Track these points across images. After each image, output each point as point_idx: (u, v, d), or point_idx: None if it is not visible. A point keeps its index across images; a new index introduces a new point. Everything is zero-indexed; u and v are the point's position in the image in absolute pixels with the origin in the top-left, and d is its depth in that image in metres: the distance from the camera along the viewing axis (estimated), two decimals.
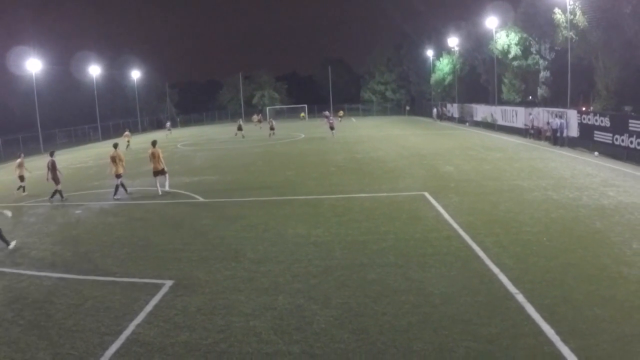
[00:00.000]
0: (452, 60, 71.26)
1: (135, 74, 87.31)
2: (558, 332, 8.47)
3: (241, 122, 60.55)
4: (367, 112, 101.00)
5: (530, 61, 51.54)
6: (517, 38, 51.44)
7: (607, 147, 29.76)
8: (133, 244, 15.48)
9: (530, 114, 41.93)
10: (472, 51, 63.52)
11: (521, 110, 45.27)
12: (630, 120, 27.67)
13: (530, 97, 55.06)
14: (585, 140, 32.76)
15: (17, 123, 70.22)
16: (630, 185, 20.50)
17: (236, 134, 57.22)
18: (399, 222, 16.29)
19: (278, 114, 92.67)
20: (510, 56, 52.34)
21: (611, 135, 29.35)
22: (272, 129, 56.48)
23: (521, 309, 9.47)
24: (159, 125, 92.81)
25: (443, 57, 74.84)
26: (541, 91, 50.38)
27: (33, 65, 56.81)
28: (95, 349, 8.83)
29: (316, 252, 13.56)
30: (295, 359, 8.24)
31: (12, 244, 15.73)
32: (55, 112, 77.16)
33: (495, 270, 11.49)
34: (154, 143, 24.32)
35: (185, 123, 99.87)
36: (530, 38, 50.25)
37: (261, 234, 15.76)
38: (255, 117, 79.88)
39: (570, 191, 19.62)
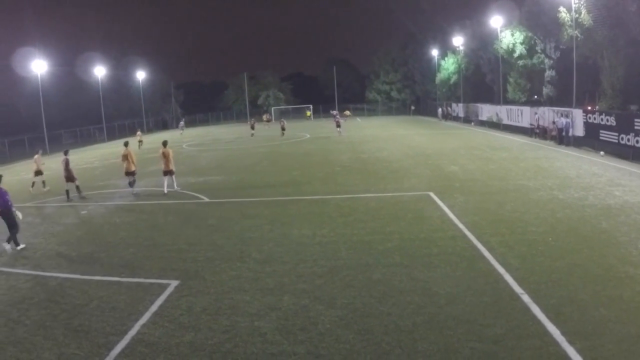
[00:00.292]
0: (457, 60, 71.13)
1: (141, 75, 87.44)
2: (564, 333, 8.44)
3: (254, 122, 62.26)
4: (372, 112, 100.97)
5: (535, 60, 51.40)
6: (522, 37, 51.31)
7: (613, 146, 29.65)
8: (138, 244, 15.51)
9: (535, 113, 41.81)
10: (477, 50, 63.41)
11: (526, 109, 45.15)
12: (636, 120, 27.53)
13: (536, 97, 54.93)
14: (591, 140, 32.63)
15: (23, 124, 70.57)
16: (636, 184, 20.41)
17: (252, 135, 58.45)
18: (404, 222, 16.27)
19: (283, 114, 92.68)
20: (516, 55, 52.21)
21: (617, 134, 29.23)
22: (283, 129, 58.02)
23: (527, 309, 9.44)
24: (164, 126, 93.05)
25: (448, 56, 74.73)
26: (546, 90, 50.25)
27: (39, 66, 56.98)
28: (101, 349, 8.85)
29: (321, 253, 13.55)
30: (300, 359, 8.25)
31: (21, 246, 15.83)
32: (61, 113, 77.34)
33: (501, 270, 11.46)
34: (164, 143, 24.67)
35: (191, 123, 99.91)
36: (536, 37, 50.11)
37: (266, 234, 15.76)
38: (265, 117, 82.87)
39: (576, 191, 19.56)
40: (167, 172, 24.12)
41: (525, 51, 51.56)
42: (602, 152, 29.72)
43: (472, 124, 60.00)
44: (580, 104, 40.45)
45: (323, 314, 9.77)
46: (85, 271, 13.23)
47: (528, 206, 17.44)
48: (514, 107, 49.17)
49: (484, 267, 11.82)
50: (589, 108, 36.91)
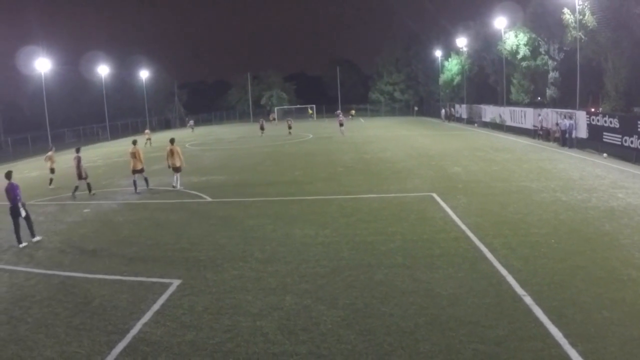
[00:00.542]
0: (461, 61, 71.10)
1: (144, 74, 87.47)
2: (566, 335, 8.43)
3: (263, 122, 63.33)
4: (375, 113, 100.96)
5: (539, 62, 51.40)
6: (525, 38, 51.32)
7: (616, 148, 29.60)
8: (141, 243, 15.52)
9: (539, 114, 41.76)
10: (480, 51, 63.40)
11: (530, 111, 45.12)
12: (639, 122, 27.51)
13: (539, 98, 54.92)
14: (594, 142, 32.58)
15: (27, 122, 70.73)
16: (639, 187, 20.37)
17: (262, 135, 59.14)
18: (407, 223, 16.26)
19: (286, 114, 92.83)
20: (519, 57, 52.22)
21: (620, 136, 29.19)
22: (289, 127, 59.71)
23: (529, 311, 9.43)
24: (167, 125, 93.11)
25: (452, 57, 74.71)
26: (550, 92, 50.22)
27: (42, 65, 56.98)
28: (102, 348, 8.85)
29: (324, 253, 13.55)
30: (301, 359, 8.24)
31: (24, 244, 15.92)
32: (65, 112, 77.64)
33: (503, 272, 11.45)
34: (172, 141, 25.46)
35: (194, 123, 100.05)
36: (539, 38, 50.11)
37: (269, 234, 15.76)
38: (271, 116, 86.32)
39: (579, 193, 19.54)
40: (177, 169, 24.89)
41: (528, 52, 51.57)
42: (605, 154, 29.67)
43: (475, 125, 59.98)
44: (583, 106, 40.43)
45: (325, 314, 9.76)
46: (87, 269, 13.25)
47: (531, 208, 17.42)
48: (517, 109, 49.16)
49: (486, 268, 11.81)
50: (593, 110, 36.95)
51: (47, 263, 14.05)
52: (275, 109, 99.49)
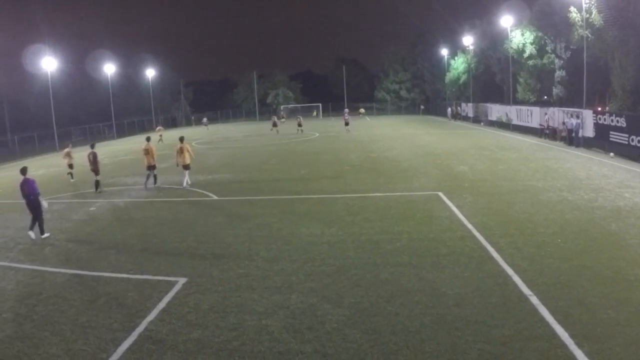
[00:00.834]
0: (467, 59, 70.96)
1: (150, 73, 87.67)
2: (572, 335, 8.40)
3: (276, 119, 65.12)
4: (381, 112, 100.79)
5: (545, 60, 51.24)
6: (532, 37, 51.16)
7: (623, 147, 29.48)
8: (147, 241, 15.57)
9: (545, 113, 41.63)
10: (487, 50, 63.24)
11: (536, 110, 44.98)
12: None
13: (546, 97, 54.76)
14: (600, 141, 32.47)
15: (33, 121, 70.88)
16: None
17: (271, 129, 60.60)
18: (413, 221, 16.24)
19: (292, 113, 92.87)
20: (526, 55, 52.07)
21: (627, 135, 29.07)
22: (299, 125, 60.08)
23: (535, 311, 9.40)
24: (174, 124, 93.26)
25: (458, 56, 74.58)
26: (556, 91, 50.06)
27: (49, 63, 57.19)
28: (108, 345, 8.87)
29: (330, 252, 13.55)
30: (307, 358, 8.22)
31: (46, 234, 16.65)
32: (71, 110, 77.75)
33: (510, 271, 11.42)
34: (181, 139, 25.66)
35: (200, 121, 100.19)
36: (546, 37, 49.94)
37: (275, 232, 15.77)
38: (281, 114, 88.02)
39: (585, 192, 19.47)
40: (186, 167, 25.09)
41: (535, 51, 51.41)
42: (612, 154, 29.56)
43: (482, 124, 59.84)
44: (590, 105, 40.24)
45: (331, 313, 9.76)
46: (93, 267, 13.29)
47: (537, 207, 17.37)
48: (523, 108, 49.01)
49: (492, 268, 11.78)
50: (599, 109, 36.75)
51: (54, 261, 14.10)
52: (282, 107, 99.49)
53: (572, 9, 40.02)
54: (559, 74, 49.76)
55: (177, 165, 25.45)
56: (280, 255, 13.46)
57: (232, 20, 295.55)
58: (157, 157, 25.88)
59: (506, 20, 52.39)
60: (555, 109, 41.17)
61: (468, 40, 67.49)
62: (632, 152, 28.26)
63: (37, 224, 16.64)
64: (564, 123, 37.15)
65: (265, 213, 18.51)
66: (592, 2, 37.06)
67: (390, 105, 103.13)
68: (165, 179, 27.00)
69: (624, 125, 29.62)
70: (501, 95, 62.13)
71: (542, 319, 9.05)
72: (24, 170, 17.18)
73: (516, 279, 10.97)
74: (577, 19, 39.55)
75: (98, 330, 9.47)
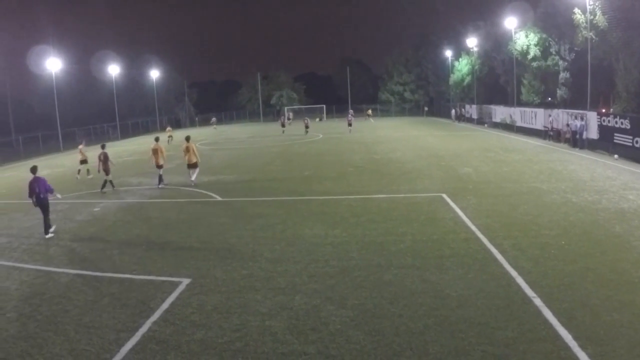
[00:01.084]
0: (471, 61, 70.86)
1: (155, 73, 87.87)
2: (575, 337, 8.39)
3: (284, 120, 67.23)
4: (385, 113, 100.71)
5: (549, 62, 51.14)
6: (536, 39, 51.06)
7: (627, 149, 29.41)
8: (150, 242, 15.59)
9: (549, 115, 41.57)
10: (491, 52, 63.14)
11: (540, 111, 44.92)
12: None
13: (550, 99, 54.66)
14: (605, 143, 32.41)
15: (37, 121, 71.02)
16: None
17: (283, 132, 61.50)
18: (417, 223, 16.24)
19: (296, 114, 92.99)
20: (530, 57, 51.96)
21: (631, 137, 29.02)
22: (307, 127, 60.72)
23: (538, 313, 9.39)
24: (178, 124, 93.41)
25: (462, 57, 74.49)
26: (560, 92, 49.98)
27: (53, 64, 57.29)
28: (111, 346, 8.89)
29: (333, 253, 13.55)
30: (310, 359, 8.24)
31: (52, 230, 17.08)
32: (75, 111, 77.91)
33: (513, 273, 11.41)
34: (187, 138, 26.16)
35: (204, 122, 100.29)
36: (550, 38, 49.86)
37: (278, 233, 15.79)
38: (289, 115, 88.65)
39: (589, 194, 19.44)
40: (192, 166, 25.69)
41: (539, 53, 51.30)
42: (616, 156, 29.51)
43: (486, 125, 59.78)
44: (594, 107, 40.18)
45: (334, 314, 9.76)
46: (97, 268, 13.31)
47: (541, 209, 17.35)
48: (527, 109, 48.94)
49: (496, 270, 11.77)
50: (604, 111, 36.70)
51: (57, 261, 14.13)
52: (286, 108, 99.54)
53: (576, 10, 39.97)
54: (563, 75, 49.69)
55: (187, 165, 25.96)
56: (284, 257, 13.47)
57: (236, 22, 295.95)
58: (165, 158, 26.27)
59: (510, 22, 52.34)
60: (560, 110, 41.10)
61: (472, 41, 67.45)
62: (637, 154, 28.19)
63: (44, 223, 16.97)
64: (568, 125, 37.09)
65: (269, 214, 18.52)
66: (597, 4, 37.01)
67: (394, 107, 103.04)
68: (169, 179, 27.03)
69: (628, 127, 29.56)
70: (505, 97, 62.04)
71: (545, 321, 9.04)
72: (34, 169, 17.56)
73: (520, 280, 10.96)
74: (581, 20, 39.50)
75: (102, 331, 9.49)
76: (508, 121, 53.10)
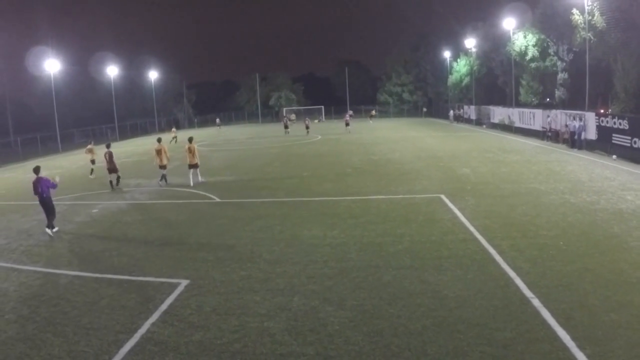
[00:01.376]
0: (470, 62, 70.95)
1: (153, 75, 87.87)
2: (574, 338, 8.40)
3: (287, 121, 67.55)
4: (383, 114, 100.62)
5: (548, 63, 51.26)
6: (534, 39, 51.18)
7: (625, 150, 29.45)
8: (149, 243, 15.58)
9: (548, 116, 41.61)
10: (489, 52, 63.24)
11: (539, 112, 44.96)
12: None
13: (548, 99, 54.74)
14: (603, 143, 32.44)
15: (36, 122, 70.93)
16: None
17: (288, 132, 61.95)
18: (415, 224, 16.24)
19: (297, 115, 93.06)
20: (528, 58, 52.08)
21: (630, 138, 29.06)
22: (307, 127, 61.85)
23: (537, 313, 9.40)
24: (177, 125, 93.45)
25: (460, 58, 74.58)
26: (559, 93, 50.07)
27: (52, 65, 57.27)
28: (110, 347, 8.89)
29: (332, 254, 13.56)
30: None
31: (55, 228, 17.60)
32: (74, 112, 77.89)
33: (512, 274, 11.42)
34: (190, 139, 26.77)
35: (202, 123, 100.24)
36: (548, 39, 49.98)
37: (277, 235, 15.79)
38: (292, 116, 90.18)
39: (587, 195, 19.46)
40: (192, 166, 26.14)
41: (537, 53, 51.43)
42: (614, 156, 29.54)
43: (484, 126, 59.80)
44: (592, 107, 40.24)
45: (333, 315, 9.77)
46: (95, 269, 13.31)
47: (539, 210, 17.37)
48: (526, 110, 48.99)
49: (494, 270, 11.79)
50: (602, 111, 36.75)
51: (56, 262, 14.12)
52: (285, 110, 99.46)
53: (574, 11, 40.06)
54: (561, 76, 49.78)
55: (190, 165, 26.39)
56: (283, 258, 13.47)
57: (235, 23, 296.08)
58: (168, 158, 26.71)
59: (509, 23, 52.44)
60: (558, 111, 41.14)
61: (470, 42, 67.53)
62: (635, 155, 28.23)
63: (51, 219, 17.44)
64: (566, 125, 37.11)
65: (268, 215, 18.53)
66: (595, 5, 37.09)
67: (392, 108, 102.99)
68: (169, 180, 27.01)
69: (627, 127, 29.60)
70: (503, 98, 62.11)
71: (543, 322, 9.06)
72: (37, 169, 17.85)
73: (518, 281, 10.97)
74: (579, 21, 39.59)
75: (100, 332, 9.49)
76: (506, 122, 53.17)
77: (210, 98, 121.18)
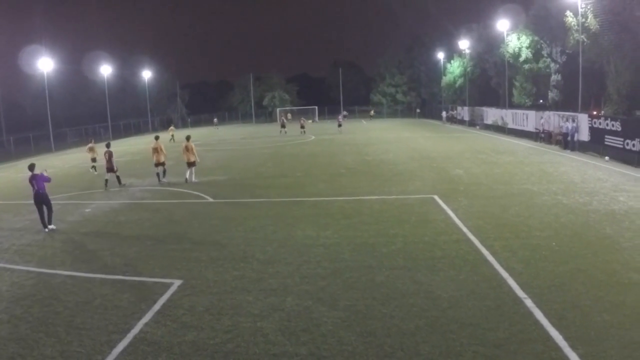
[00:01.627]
0: (463, 63, 71.13)
1: (147, 74, 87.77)
2: (566, 338, 8.43)
3: (284, 120, 68.43)
4: (377, 114, 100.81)
5: (541, 64, 51.43)
6: (528, 41, 51.35)
7: (618, 151, 29.55)
8: (142, 243, 15.54)
9: (541, 117, 41.72)
10: (483, 54, 63.45)
11: (532, 113, 45.04)
12: None
13: (541, 101, 54.93)
14: (596, 145, 32.55)
15: (29, 121, 70.76)
16: None
17: (280, 132, 62.34)
18: (408, 225, 16.26)
19: (290, 115, 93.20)
20: (522, 59, 52.24)
21: (622, 139, 29.15)
22: (302, 127, 62.67)
23: (529, 314, 9.43)
24: (170, 125, 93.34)
25: (454, 59, 74.76)
26: (552, 95, 50.26)
27: (45, 64, 57.12)
28: (103, 347, 8.86)
29: (325, 254, 13.55)
30: None
31: (49, 228, 17.73)
32: (67, 111, 77.73)
33: (504, 274, 11.45)
34: (187, 138, 27.58)
35: (196, 123, 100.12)
36: (542, 41, 50.18)
37: (270, 235, 15.77)
38: (289, 115, 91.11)
39: (580, 196, 19.52)
40: (191, 164, 26.75)
41: (531, 55, 51.61)
42: (607, 158, 29.65)
43: (477, 127, 59.90)
44: (585, 109, 40.38)
45: (326, 315, 9.77)
46: (88, 269, 13.27)
47: (532, 211, 17.41)
48: (519, 111, 49.06)
49: (487, 271, 11.81)
50: (595, 113, 36.87)
51: (49, 262, 14.07)
52: (279, 110, 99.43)
53: (568, 13, 40.21)
54: (554, 78, 49.97)
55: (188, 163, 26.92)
56: (276, 258, 13.46)
57: (228, 23, 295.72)
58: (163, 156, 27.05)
59: (502, 24, 52.62)
60: (551, 113, 41.24)
61: (464, 44, 67.77)
62: (627, 156, 28.33)
63: (49, 216, 17.80)
64: (560, 127, 37.19)
65: (261, 215, 18.51)
66: (588, 7, 37.26)
67: (386, 109, 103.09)
68: (160, 179, 26.98)
69: (619, 129, 29.70)
70: (497, 99, 62.32)
71: (536, 322, 9.08)
72: (32, 167, 18.46)
73: (511, 282, 10.99)
74: (573, 23, 39.74)
75: (93, 332, 9.46)
76: (500, 123, 53.25)
77: (204, 98, 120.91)
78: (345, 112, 75.95)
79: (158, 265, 13.27)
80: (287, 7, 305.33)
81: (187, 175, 26.55)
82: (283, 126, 64.12)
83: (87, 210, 21.02)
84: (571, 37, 40.57)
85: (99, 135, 72.28)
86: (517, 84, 54.87)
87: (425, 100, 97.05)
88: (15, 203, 23.07)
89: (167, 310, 10.28)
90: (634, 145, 27.83)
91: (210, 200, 21.95)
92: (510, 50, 52.75)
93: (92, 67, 75.86)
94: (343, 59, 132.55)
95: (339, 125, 62.29)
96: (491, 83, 63.77)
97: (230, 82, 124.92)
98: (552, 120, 39.51)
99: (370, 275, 11.83)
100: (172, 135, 57.33)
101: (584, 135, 34.13)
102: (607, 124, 31.10)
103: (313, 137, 55.06)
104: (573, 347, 8.15)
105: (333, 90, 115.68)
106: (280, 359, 8.29)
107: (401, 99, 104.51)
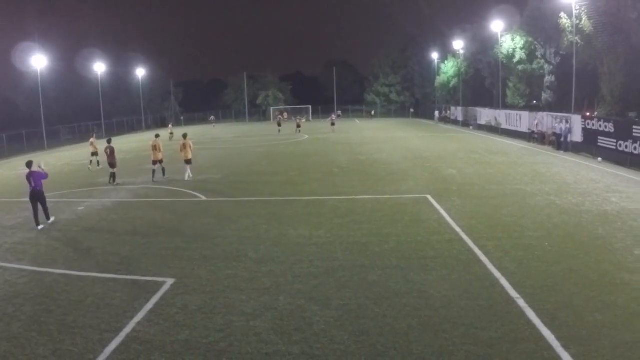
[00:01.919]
0: (457, 64, 71.25)
1: (140, 72, 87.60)
2: (558, 338, 8.45)
3: (281, 119, 69.08)
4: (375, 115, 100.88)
5: (535, 65, 51.57)
6: (522, 42, 51.47)
7: (611, 153, 29.67)
8: (135, 241, 15.49)
9: (535, 118, 41.82)
10: (477, 54, 63.59)
11: (525, 114, 45.17)
12: (634, 127, 27.53)
13: (535, 102, 55.07)
14: (589, 146, 32.66)
15: (22, 119, 70.48)
16: (633, 191, 20.44)
17: (279, 131, 61.79)
18: (401, 224, 16.27)
19: (284, 114, 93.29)
20: (515, 60, 52.37)
21: (615, 141, 29.26)
22: (298, 126, 62.73)
23: (522, 313, 9.45)
24: (164, 123, 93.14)
25: (448, 60, 74.89)
26: (546, 96, 50.42)
27: (38, 61, 56.91)
28: (95, 346, 8.83)
29: (318, 253, 13.55)
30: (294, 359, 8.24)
31: (41, 226, 17.69)
32: (60, 109, 77.43)
33: (497, 274, 11.47)
34: (184, 135, 28.32)
35: (189, 121, 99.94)
36: (536, 42, 50.30)
37: (263, 234, 15.76)
38: (285, 114, 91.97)
39: (573, 196, 19.58)
40: (188, 162, 27.28)
41: (525, 56, 51.75)
42: (600, 159, 29.77)
43: (471, 127, 60.03)
44: (579, 110, 40.51)
45: (318, 314, 9.76)
46: (81, 267, 13.22)
47: (525, 211, 17.45)
48: (512, 112, 49.20)
49: (480, 271, 11.83)
50: (588, 114, 36.97)
51: (41, 260, 14.00)
52: (272, 109, 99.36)
53: (562, 14, 40.32)
54: (548, 79, 50.12)
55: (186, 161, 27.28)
56: (269, 257, 13.45)
57: (222, 21, 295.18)
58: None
59: (497, 25, 52.76)
60: (544, 113, 41.37)
61: (458, 44, 67.85)
62: (620, 157, 28.43)
63: (45, 212, 17.99)
64: (554, 128, 37.28)
65: (254, 214, 18.49)
66: (582, 9, 37.35)
67: (380, 108, 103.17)
68: (157, 177, 26.92)
69: (612, 130, 29.80)
70: (491, 100, 62.48)
71: (529, 322, 9.10)
72: (29, 164, 18.51)
73: (503, 281, 11.02)
74: (567, 24, 39.84)
75: (85, 331, 9.42)
76: (493, 124, 53.38)
77: (197, 96, 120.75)
78: (339, 112, 75.94)
79: (151, 264, 13.24)
80: (280, 6, 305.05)
81: (187, 173, 26.94)
82: (279, 125, 64.09)
83: (80, 208, 20.95)
84: (565, 39, 40.69)
85: (92, 133, 72.05)
86: (510, 84, 54.99)
87: (419, 100, 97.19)
88: (7, 201, 22.99)
89: (160, 309, 10.26)
90: (626, 146, 27.93)
91: (204, 198, 21.91)
92: (505, 51, 52.88)
93: (85, 65, 75.65)
94: (337, 58, 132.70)
95: (332, 124, 62.47)
96: (485, 83, 63.92)
97: (224, 80, 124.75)
98: (546, 121, 39.62)
99: (363, 274, 11.84)
100: (171, 134, 58.06)
101: (577, 137, 34.24)
102: (600, 125, 31.20)
103: (307, 137, 55.06)
104: (565, 346, 8.17)
105: (327, 89, 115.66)
106: (273, 358, 8.28)
107: (395, 99, 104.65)
